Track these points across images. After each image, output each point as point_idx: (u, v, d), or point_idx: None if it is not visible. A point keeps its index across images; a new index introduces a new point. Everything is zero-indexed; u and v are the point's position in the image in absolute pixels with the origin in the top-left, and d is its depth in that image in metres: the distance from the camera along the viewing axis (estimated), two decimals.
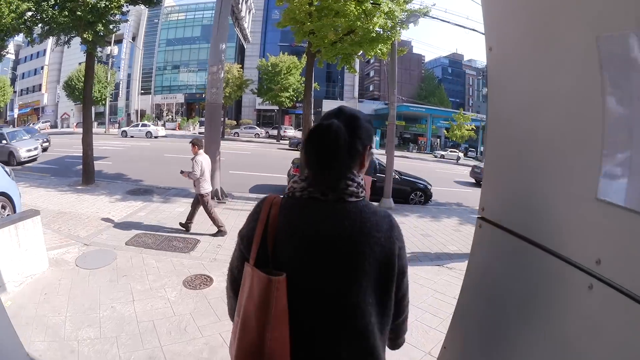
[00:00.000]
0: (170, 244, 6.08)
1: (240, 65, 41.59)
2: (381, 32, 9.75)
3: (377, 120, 51.72)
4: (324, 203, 1.13)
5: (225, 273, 1.37)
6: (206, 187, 6.36)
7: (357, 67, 51.93)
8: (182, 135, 37.18)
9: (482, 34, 1.59)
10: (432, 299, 4.97)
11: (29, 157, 16.69)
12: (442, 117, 51.67)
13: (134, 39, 54.29)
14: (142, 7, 11.36)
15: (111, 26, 10.80)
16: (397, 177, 11.80)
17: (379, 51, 9.97)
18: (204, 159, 6.30)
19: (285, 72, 36.40)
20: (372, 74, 67.90)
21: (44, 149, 19.86)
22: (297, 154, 13.67)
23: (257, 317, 1.09)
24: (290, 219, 1.15)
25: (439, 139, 54.61)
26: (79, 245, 5.83)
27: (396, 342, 1.40)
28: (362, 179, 1.19)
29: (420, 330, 4.12)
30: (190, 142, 6.49)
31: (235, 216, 7.94)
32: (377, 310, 1.13)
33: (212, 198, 8.95)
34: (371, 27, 9.09)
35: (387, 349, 1.27)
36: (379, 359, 1.16)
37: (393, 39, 9.98)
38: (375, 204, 1.56)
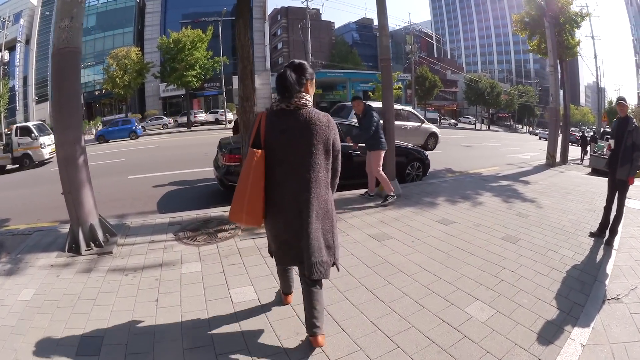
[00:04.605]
0: None
1: (139, 48, 34.85)
2: None
3: None
4: (288, 110, 2.20)
5: None
6: None
7: (266, 36, 47.12)
8: (86, 140, 29.55)
9: None
10: None
11: None
12: (360, 80, 48.60)
13: (28, 41, 44.10)
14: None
15: None
16: None
17: None
18: None
19: (190, 47, 30.53)
20: (280, 46, 63.35)
21: None
22: (223, 136, 8.60)
23: (246, 174, 2.22)
24: (272, 120, 2.23)
25: None
26: None
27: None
28: (310, 97, 2.29)
29: None
30: None
31: (129, 295, 3.14)
32: (324, 168, 2.25)
33: (88, 246, 4.25)
34: None
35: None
36: (327, 201, 2.29)
37: None
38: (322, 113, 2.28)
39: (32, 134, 14.87)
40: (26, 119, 43.29)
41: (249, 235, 4.45)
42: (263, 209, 2.24)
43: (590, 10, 15.92)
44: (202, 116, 37.56)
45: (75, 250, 4.18)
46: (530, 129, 59.55)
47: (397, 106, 16.68)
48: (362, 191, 6.61)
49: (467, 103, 56.07)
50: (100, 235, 4.30)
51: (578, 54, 16.32)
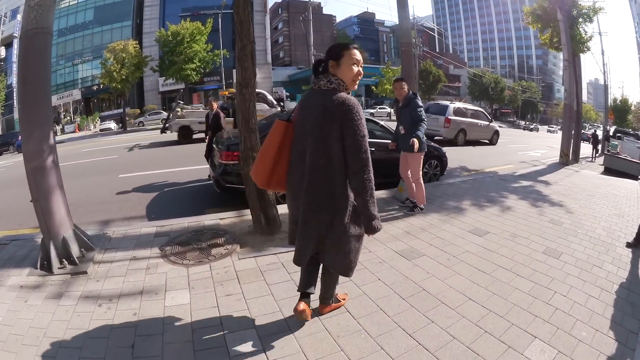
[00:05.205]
0: None
1: (137, 42, 33.93)
2: None
3: (291, 87, 46.65)
4: (314, 90, 2.19)
5: None
6: None
7: (267, 29, 46.36)
8: (82, 137, 28.37)
9: None
10: None
11: None
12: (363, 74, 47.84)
13: None
14: None
15: None
16: None
17: None
18: None
19: (189, 39, 29.76)
20: (281, 40, 62.59)
21: None
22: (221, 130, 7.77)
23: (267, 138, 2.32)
24: (303, 98, 2.28)
25: (362, 98, 51.04)
26: None
27: (366, 224, 2.12)
28: (335, 78, 2.12)
29: None
30: None
31: (101, 336, 2.52)
32: (330, 156, 2.06)
33: (61, 263, 3.58)
34: None
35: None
36: (326, 194, 2.12)
37: None
38: (346, 95, 2.09)
39: (281, 102, 12.79)
40: None
41: (249, 252, 3.72)
42: (269, 173, 2.27)
43: (602, 5, 15.21)
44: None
45: (47, 268, 3.50)
46: (525, 123, 57.17)
47: (470, 106, 18.39)
48: (392, 191, 5.93)
49: (471, 98, 55.16)
50: (74, 250, 3.61)
51: (589, 50, 15.72)
